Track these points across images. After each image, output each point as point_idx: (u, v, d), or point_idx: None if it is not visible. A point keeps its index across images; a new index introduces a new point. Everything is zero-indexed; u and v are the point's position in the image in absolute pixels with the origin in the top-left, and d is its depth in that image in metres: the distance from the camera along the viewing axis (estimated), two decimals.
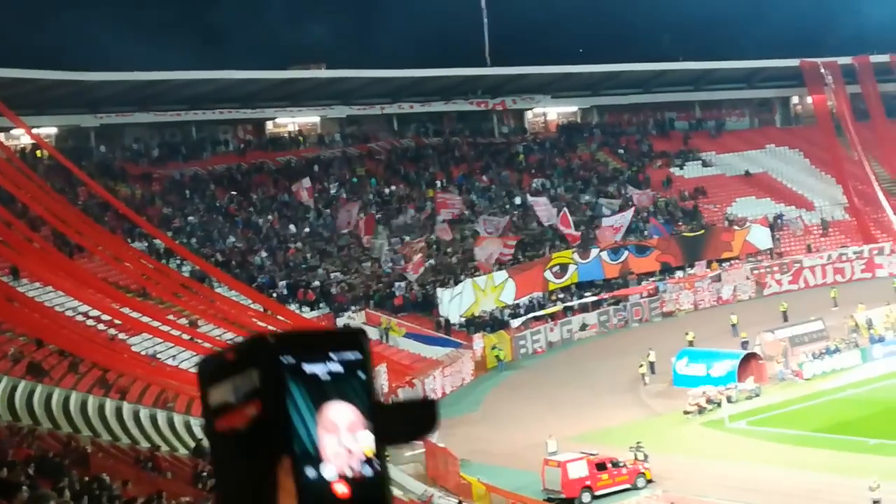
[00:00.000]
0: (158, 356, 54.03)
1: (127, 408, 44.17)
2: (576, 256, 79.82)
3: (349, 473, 2.17)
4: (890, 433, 48.20)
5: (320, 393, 2.19)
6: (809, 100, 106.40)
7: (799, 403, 55.29)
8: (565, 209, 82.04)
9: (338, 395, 2.19)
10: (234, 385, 2.18)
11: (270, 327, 51.06)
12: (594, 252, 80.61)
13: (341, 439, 2.17)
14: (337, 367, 2.21)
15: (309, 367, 2.19)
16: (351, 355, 2.22)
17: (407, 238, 77.58)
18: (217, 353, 2.24)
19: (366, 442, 2.19)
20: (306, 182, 79.77)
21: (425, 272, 74.21)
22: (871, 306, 69.07)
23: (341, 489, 2.17)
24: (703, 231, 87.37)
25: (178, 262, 67.88)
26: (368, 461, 2.18)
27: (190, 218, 75.71)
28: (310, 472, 2.16)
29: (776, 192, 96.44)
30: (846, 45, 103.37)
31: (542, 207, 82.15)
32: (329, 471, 2.17)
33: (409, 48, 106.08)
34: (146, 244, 68.99)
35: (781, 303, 74.95)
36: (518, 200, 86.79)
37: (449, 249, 77.81)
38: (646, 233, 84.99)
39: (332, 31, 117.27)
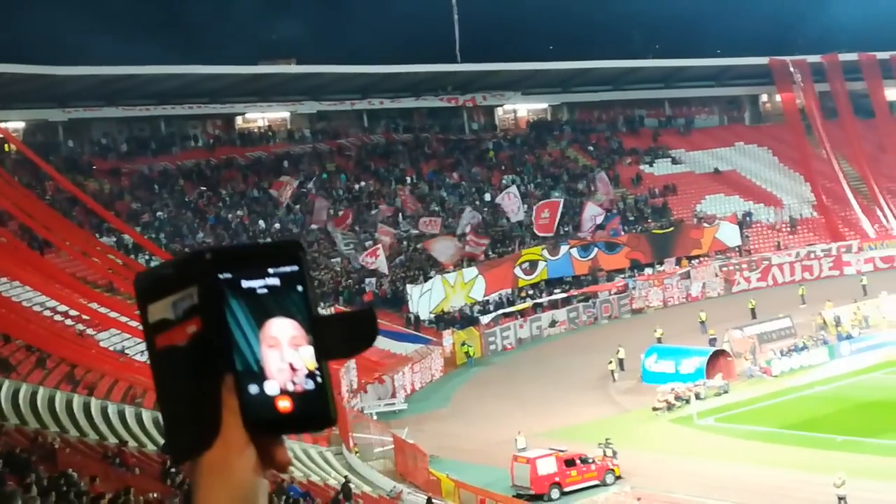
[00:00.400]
0: (127, 352, 53.77)
1: (95, 403, 43.94)
2: (545, 253, 79.94)
3: (291, 388, 2.16)
4: (857, 430, 48.45)
5: (260, 308, 2.17)
6: (778, 98, 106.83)
7: (767, 400, 55.50)
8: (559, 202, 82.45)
9: (278, 309, 2.18)
10: (173, 302, 2.17)
11: None
12: (564, 249, 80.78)
13: (283, 354, 2.16)
14: (275, 282, 2.19)
15: (248, 283, 2.18)
16: (289, 269, 2.20)
17: (376, 234, 77.55)
18: (154, 268, 2.22)
19: (307, 356, 2.17)
20: (294, 183, 79.80)
21: (395, 268, 74.21)
22: (838, 304, 69.45)
23: (284, 404, 2.16)
24: (672, 228, 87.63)
25: (147, 257, 67.61)
26: (311, 375, 2.17)
27: (159, 213, 75.43)
28: (252, 388, 2.15)
29: (745, 189, 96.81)
30: (815, 44, 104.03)
31: (512, 202, 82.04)
32: (272, 386, 2.16)
33: (379, 44, 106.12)
34: (114, 239, 68.73)
35: (750, 300, 75.25)
36: (488, 197, 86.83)
37: (419, 245, 77.78)
38: (612, 232, 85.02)
39: (302, 26, 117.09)
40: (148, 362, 2.24)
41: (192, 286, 2.16)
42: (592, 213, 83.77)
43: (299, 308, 2.18)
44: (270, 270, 2.19)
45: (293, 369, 2.16)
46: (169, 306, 2.17)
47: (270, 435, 2.20)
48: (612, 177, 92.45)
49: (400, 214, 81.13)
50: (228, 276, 2.16)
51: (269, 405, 2.15)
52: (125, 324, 54.98)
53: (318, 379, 2.18)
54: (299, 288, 2.19)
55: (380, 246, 72.87)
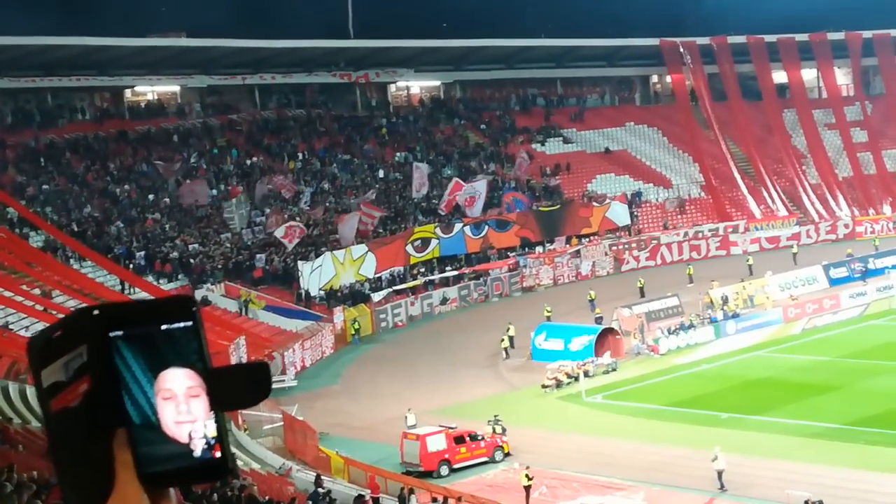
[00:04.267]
0: (10, 327, 52.86)
1: None
2: (438, 231, 79.96)
3: (187, 440, 2.15)
4: (741, 407, 49.28)
5: (156, 359, 2.16)
6: (668, 79, 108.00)
7: (654, 378, 56.19)
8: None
9: (172, 364, 2.16)
10: (64, 363, 2.15)
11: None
12: (457, 226, 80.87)
13: (179, 406, 2.15)
14: (169, 337, 2.17)
15: (139, 339, 2.16)
16: (182, 325, 2.19)
17: (267, 210, 76.96)
18: (43, 331, 2.19)
19: (203, 408, 2.17)
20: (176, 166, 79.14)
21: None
22: (725, 283, 70.55)
23: (181, 456, 2.15)
24: (559, 206, 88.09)
25: (32, 231, 66.43)
26: (207, 427, 2.17)
27: (45, 186, 74.07)
28: (148, 441, 2.14)
29: (635, 169, 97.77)
30: (705, 26, 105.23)
31: (421, 177, 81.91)
32: (168, 438, 2.15)
33: (271, 18, 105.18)
34: None
35: (639, 279, 76.10)
36: (381, 174, 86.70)
37: (311, 221, 77.33)
38: (506, 207, 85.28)
39: None
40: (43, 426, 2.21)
41: (82, 345, 2.14)
42: (476, 191, 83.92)
43: (193, 362, 2.18)
44: (163, 327, 2.17)
45: (189, 421, 2.15)
46: (60, 368, 2.14)
47: (167, 487, 2.20)
48: (503, 155, 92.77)
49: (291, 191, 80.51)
50: (119, 332, 2.15)
51: (166, 457, 2.14)
52: (9, 298, 54.01)
53: (216, 431, 2.17)
54: (193, 343, 2.18)
55: (289, 227, 72.43)
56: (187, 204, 75.80)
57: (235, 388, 2.22)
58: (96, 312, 2.16)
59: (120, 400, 2.13)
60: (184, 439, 2.14)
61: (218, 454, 2.17)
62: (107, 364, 2.13)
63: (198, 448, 2.15)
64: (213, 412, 2.17)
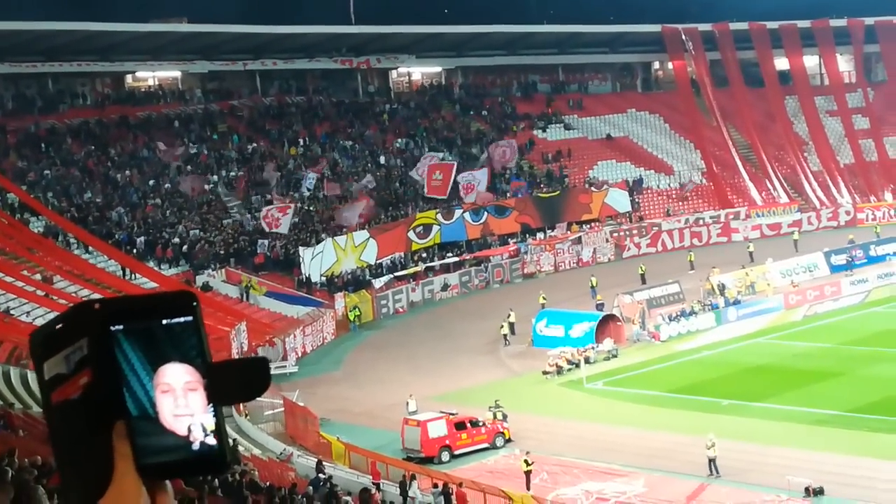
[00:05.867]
0: (12, 312, 52.90)
1: None
2: (440, 217, 79.91)
3: (185, 433, 2.18)
4: (742, 394, 49.26)
5: (156, 353, 2.18)
6: (670, 66, 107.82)
7: (655, 365, 56.16)
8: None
9: (172, 357, 2.19)
10: (65, 356, 2.18)
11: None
12: (458, 213, 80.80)
13: (177, 400, 2.18)
14: (169, 331, 2.20)
15: (139, 333, 2.18)
16: (182, 319, 2.22)
17: (268, 196, 76.92)
18: (45, 325, 2.23)
19: (201, 402, 2.20)
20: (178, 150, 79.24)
21: (290, 229, 73.68)
22: (726, 270, 70.48)
23: (179, 448, 2.18)
24: (558, 192, 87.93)
25: (33, 216, 66.40)
26: (205, 420, 2.19)
27: (45, 172, 74.02)
28: (146, 433, 2.16)
29: (636, 155, 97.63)
30: (707, 13, 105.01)
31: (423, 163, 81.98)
32: (166, 431, 2.17)
33: (272, 3, 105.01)
34: None
35: (640, 265, 76.04)
36: (382, 160, 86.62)
37: (312, 208, 77.33)
38: (508, 194, 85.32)
39: None
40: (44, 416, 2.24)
41: (83, 338, 2.17)
42: (474, 179, 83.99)
43: (192, 356, 2.21)
44: (164, 322, 2.20)
45: (187, 414, 2.18)
46: (62, 361, 2.18)
47: (164, 479, 2.23)
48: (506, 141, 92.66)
49: (292, 177, 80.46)
50: (120, 327, 2.17)
51: (164, 450, 2.17)
52: (10, 284, 54.04)
53: (214, 425, 2.20)
54: (193, 337, 2.22)
55: (291, 206, 72.52)
56: (186, 193, 75.68)
57: (234, 383, 2.26)
58: (98, 306, 2.19)
59: (120, 393, 2.15)
60: (182, 432, 2.17)
61: (216, 447, 2.20)
62: (107, 357, 2.15)
63: (196, 441, 2.18)
64: (211, 405, 2.20)
